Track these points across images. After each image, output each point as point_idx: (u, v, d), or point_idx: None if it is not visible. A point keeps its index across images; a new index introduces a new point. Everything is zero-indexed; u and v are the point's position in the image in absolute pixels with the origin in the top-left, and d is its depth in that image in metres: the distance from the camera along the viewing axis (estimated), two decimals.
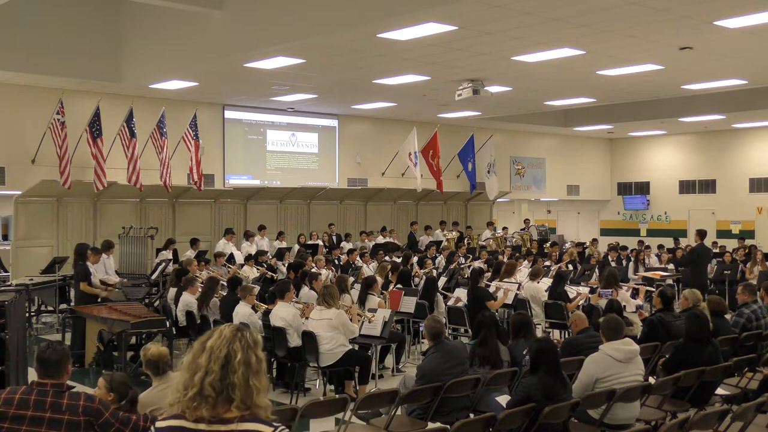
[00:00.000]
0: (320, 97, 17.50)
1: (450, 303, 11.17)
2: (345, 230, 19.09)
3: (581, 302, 10.96)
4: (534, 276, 11.44)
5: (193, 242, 15.16)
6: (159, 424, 2.62)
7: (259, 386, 2.58)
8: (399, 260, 13.89)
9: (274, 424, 2.57)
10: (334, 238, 18.35)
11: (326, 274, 12.48)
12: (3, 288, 11.12)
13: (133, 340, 9.72)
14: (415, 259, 14.46)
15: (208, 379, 2.53)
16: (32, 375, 4.79)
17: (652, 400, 6.51)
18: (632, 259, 16.23)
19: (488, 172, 21.95)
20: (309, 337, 8.15)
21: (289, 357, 8.42)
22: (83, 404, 4.20)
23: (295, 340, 8.38)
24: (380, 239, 18.71)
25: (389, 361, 9.81)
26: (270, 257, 14.84)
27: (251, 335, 2.66)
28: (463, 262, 15.36)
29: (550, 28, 10.69)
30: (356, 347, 8.55)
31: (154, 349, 5.41)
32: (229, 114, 18.92)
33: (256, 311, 9.25)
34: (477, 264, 14.11)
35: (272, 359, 8.79)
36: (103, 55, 14.18)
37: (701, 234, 14.58)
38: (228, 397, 2.53)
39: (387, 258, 14.83)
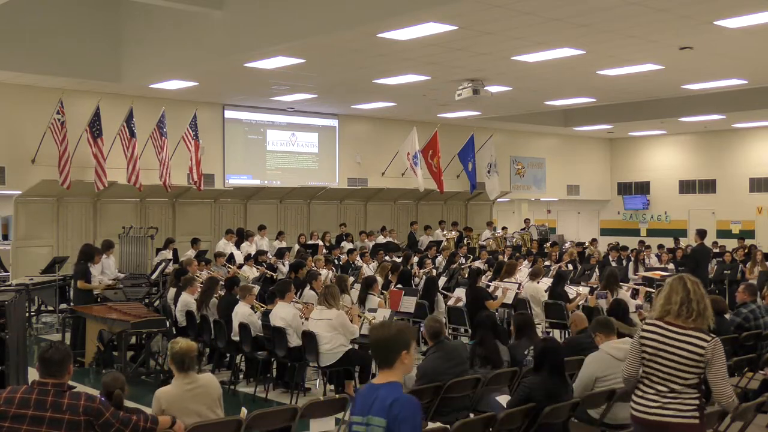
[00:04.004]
0: (320, 97, 17.50)
1: (450, 303, 11.17)
2: (345, 230, 19.09)
3: (581, 302, 10.95)
4: (534, 276, 11.44)
5: (194, 242, 15.17)
6: (645, 327, 4.44)
7: (708, 307, 4.34)
8: (399, 260, 13.89)
9: (712, 335, 4.32)
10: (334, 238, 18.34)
11: (326, 273, 12.49)
12: (3, 288, 11.13)
13: (133, 340, 9.73)
14: (415, 259, 14.46)
15: (684, 305, 4.32)
16: (33, 375, 4.79)
17: None
18: (632, 259, 16.21)
19: (488, 171, 21.93)
20: (309, 337, 8.16)
21: (289, 357, 8.43)
22: (84, 404, 4.21)
23: (295, 340, 8.39)
24: (380, 239, 18.71)
25: None
26: (270, 257, 14.84)
27: (691, 277, 4.44)
28: (464, 262, 15.35)
29: (550, 28, 10.69)
30: (356, 347, 8.55)
31: (183, 343, 5.23)
32: (229, 114, 18.92)
33: (255, 311, 9.26)
34: (476, 264, 14.11)
35: (272, 359, 8.80)
36: (103, 55, 14.19)
37: (701, 234, 14.55)
38: (700, 315, 4.33)
39: (387, 258, 14.83)
